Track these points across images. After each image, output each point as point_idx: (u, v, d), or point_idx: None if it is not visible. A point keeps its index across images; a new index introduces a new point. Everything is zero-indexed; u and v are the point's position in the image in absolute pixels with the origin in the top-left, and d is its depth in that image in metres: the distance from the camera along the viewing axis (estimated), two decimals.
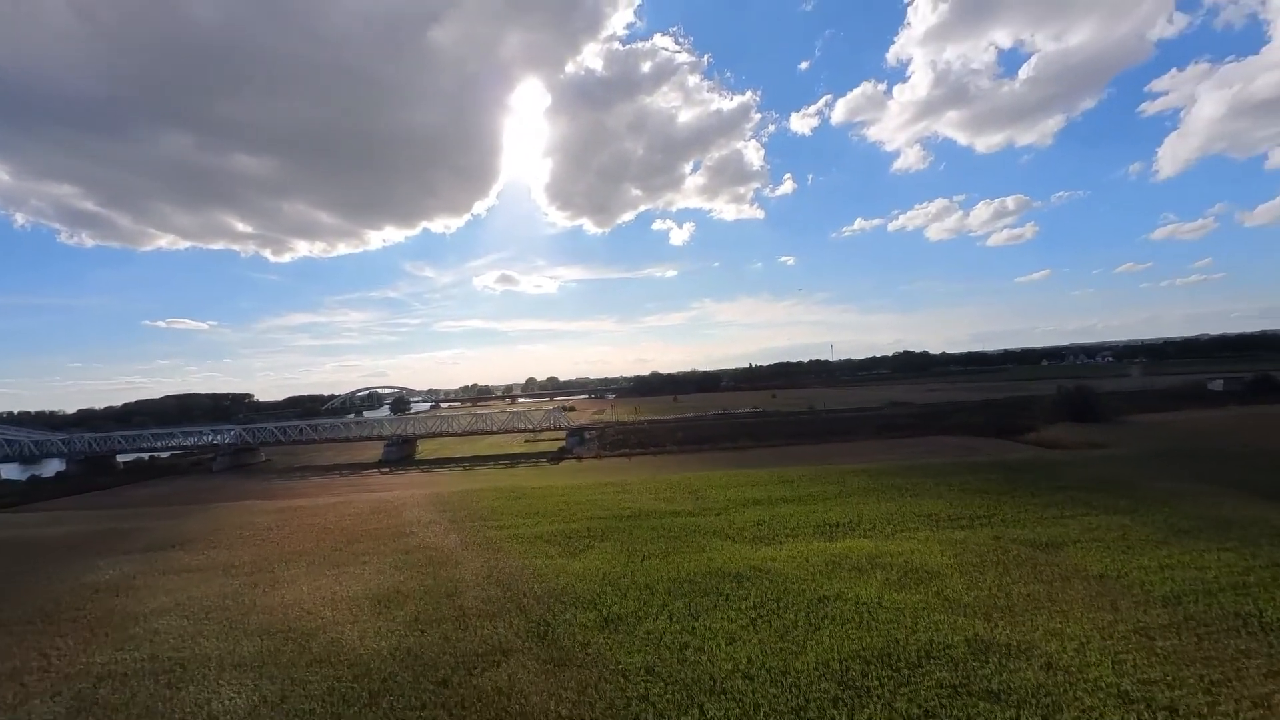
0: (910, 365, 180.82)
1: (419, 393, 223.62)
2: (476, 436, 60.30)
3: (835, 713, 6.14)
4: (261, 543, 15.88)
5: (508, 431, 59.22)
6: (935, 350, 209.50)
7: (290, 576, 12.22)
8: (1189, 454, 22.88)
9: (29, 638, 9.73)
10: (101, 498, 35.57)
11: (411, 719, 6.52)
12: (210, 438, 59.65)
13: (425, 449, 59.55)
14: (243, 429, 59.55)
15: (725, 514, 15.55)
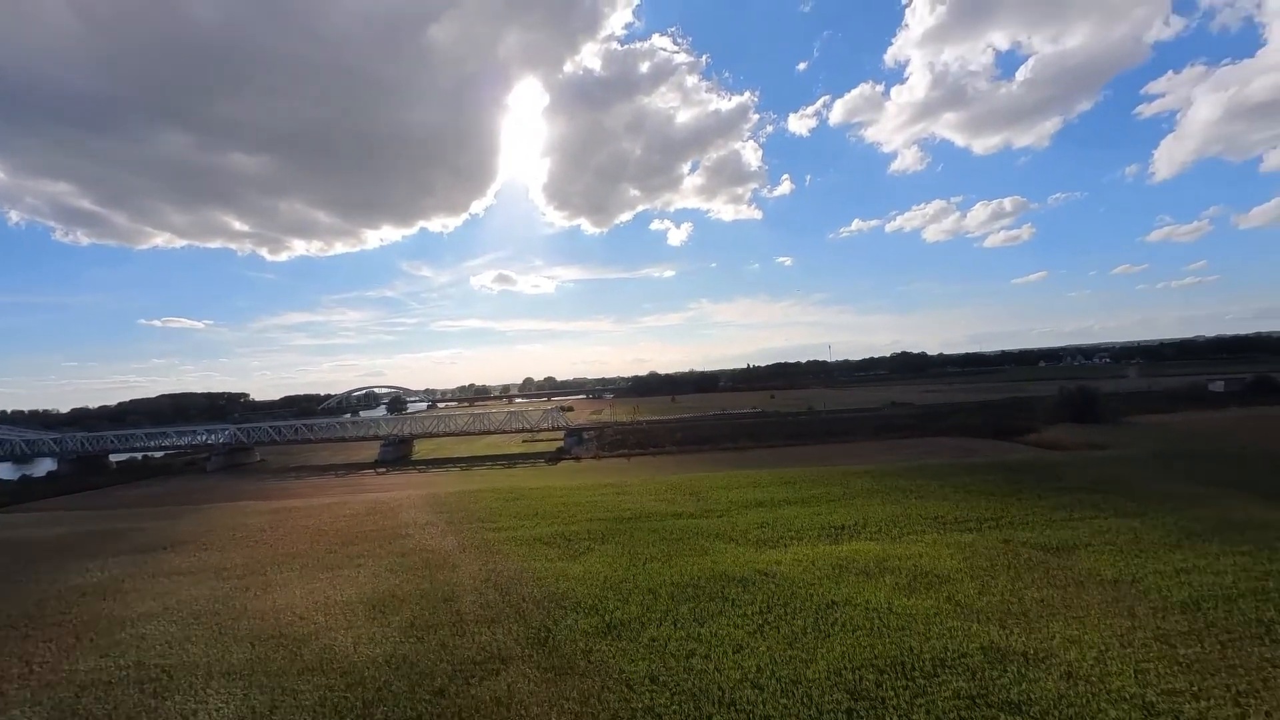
0: (908, 366, 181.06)
1: (416, 392, 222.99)
2: (474, 437, 59.93)
3: None
4: (254, 544, 15.57)
5: (505, 432, 58.87)
6: (932, 351, 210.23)
7: (283, 580, 11.93)
8: (1192, 456, 22.75)
9: (11, 643, 9.42)
10: (93, 498, 35.11)
11: None
12: (205, 437, 59.13)
13: (422, 449, 59.17)
14: (238, 428, 59.04)
15: (728, 516, 15.30)
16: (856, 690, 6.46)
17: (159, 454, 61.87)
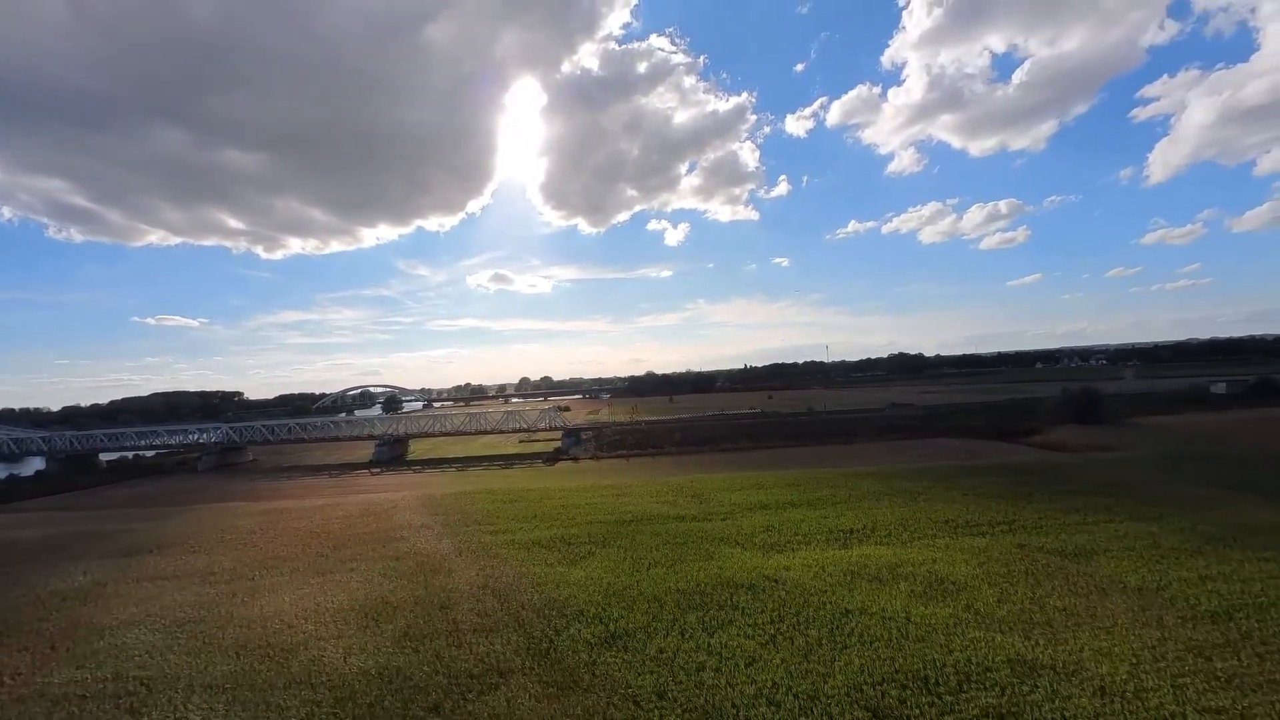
0: (905, 367, 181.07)
1: (412, 392, 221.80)
2: (470, 436, 59.36)
3: None
4: (243, 547, 15.10)
5: (502, 431, 58.32)
6: (929, 352, 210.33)
7: (271, 585, 11.47)
8: (1198, 458, 22.53)
9: None
10: (80, 498, 34.42)
11: None
12: (196, 436, 58.28)
13: (418, 449, 58.59)
14: (230, 427, 58.22)
15: (732, 519, 14.91)
16: (879, 708, 6.07)
17: (150, 453, 61.06)
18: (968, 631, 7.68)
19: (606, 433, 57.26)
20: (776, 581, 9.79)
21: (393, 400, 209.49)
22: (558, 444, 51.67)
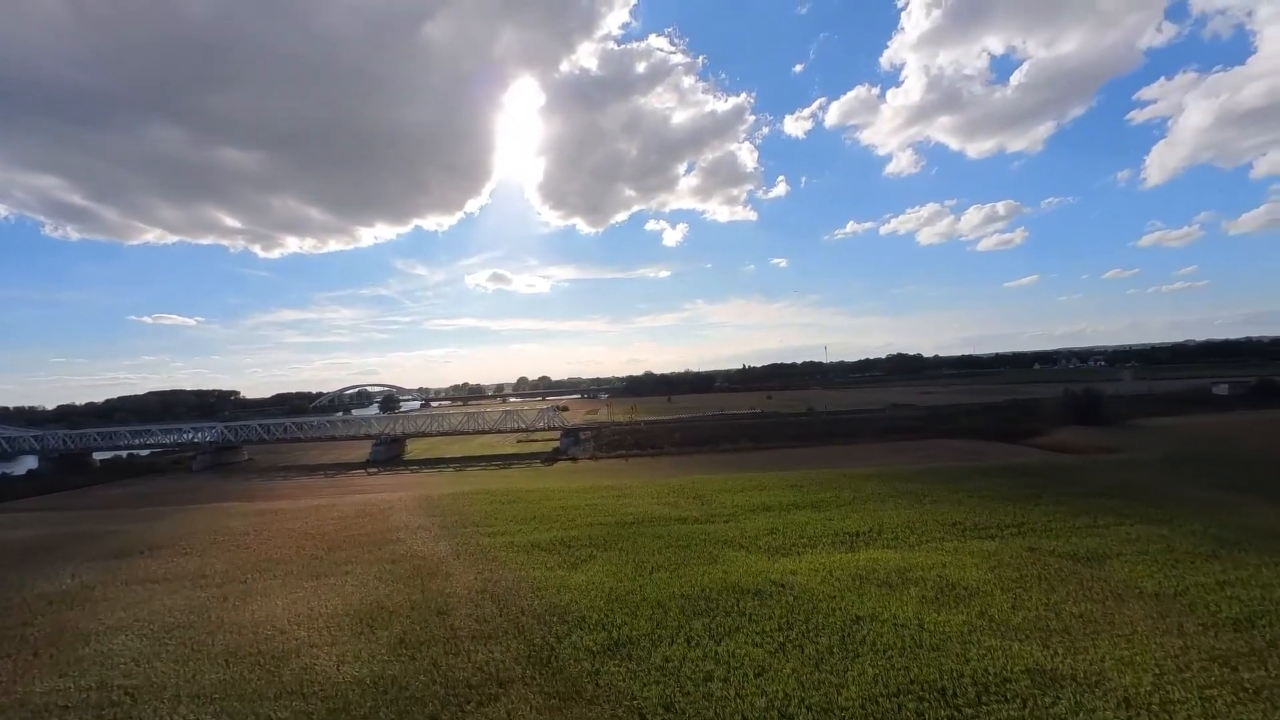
0: (904, 367, 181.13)
1: (409, 391, 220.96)
2: (468, 436, 58.94)
3: None
4: (236, 549, 14.78)
5: (500, 431, 57.89)
6: (926, 353, 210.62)
7: (264, 588, 11.17)
8: (1204, 459, 22.33)
9: None
10: (73, 498, 33.96)
11: None
12: (191, 435, 57.72)
13: (415, 449, 58.21)
14: (225, 426, 57.67)
15: (735, 521, 14.65)
16: None
17: (144, 453, 60.47)
18: (983, 640, 7.43)
19: (605, 433, 56.96)
20: (783, 586, 9.53)
21: (390, 399, 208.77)
22: (556, 444, 51.33)
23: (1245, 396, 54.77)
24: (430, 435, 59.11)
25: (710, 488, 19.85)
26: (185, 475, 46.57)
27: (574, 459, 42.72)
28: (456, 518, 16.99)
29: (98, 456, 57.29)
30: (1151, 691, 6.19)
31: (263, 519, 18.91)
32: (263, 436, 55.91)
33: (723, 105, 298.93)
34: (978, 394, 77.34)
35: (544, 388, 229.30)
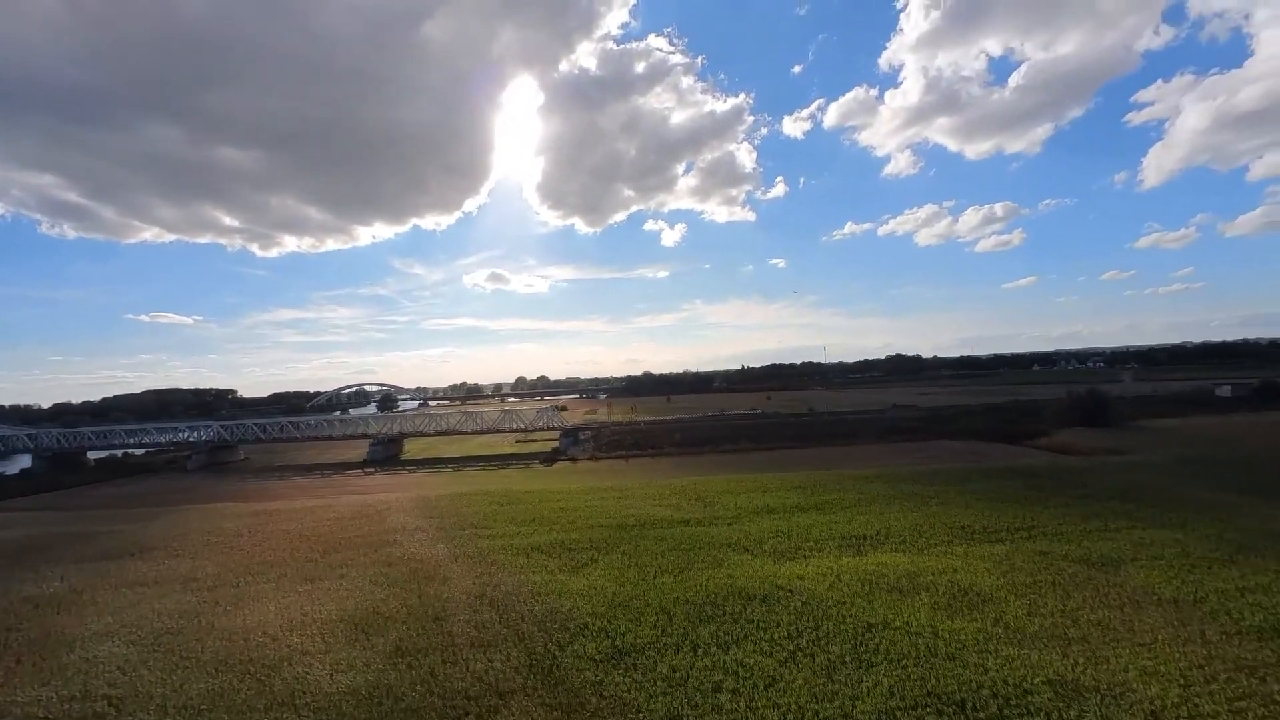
0: (902, 368, 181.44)
1: (407, 391, 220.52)
2: (466, 436, 58.64)
3: None
4: (229, 551, 14.48)
5: (499, 431, 57.59)
6: (925, 354, 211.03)
7: (256, 592, 10.87)
8: (1211, 461, 22.16)
9: None
10: (64, 498, 33.59)
11: None
12: (187, 434, 57.33)
13: (412, 448, 57.88)
14: (221, 426, 57.25)
15: (739, 523, 14.39)
16: None
17: (139, 452, 60.08)
18: (1000, 648, 7.18)
19: (605, 433, 56.72)
20: (791, 592, 9.27)
21: (388, 399, 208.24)
22: (555, 444, 51.06)
23: (1248, 398, 54.70)
24: (428, 435, 58.81)
25: (712, 489, 19.60)
26: (180, 475, 46.21)
27: (573, 459, 42.47)
28: (454, 519, 16.70)
29: (92, 455, 56.89)
30: (1179, 703, 5.94)
31: (257, 520, 18.60)
32: (259, 436, 55.56)
33: (721, 105, 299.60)
34: (978, 395, 77.26)
35: (542, 387, 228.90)
